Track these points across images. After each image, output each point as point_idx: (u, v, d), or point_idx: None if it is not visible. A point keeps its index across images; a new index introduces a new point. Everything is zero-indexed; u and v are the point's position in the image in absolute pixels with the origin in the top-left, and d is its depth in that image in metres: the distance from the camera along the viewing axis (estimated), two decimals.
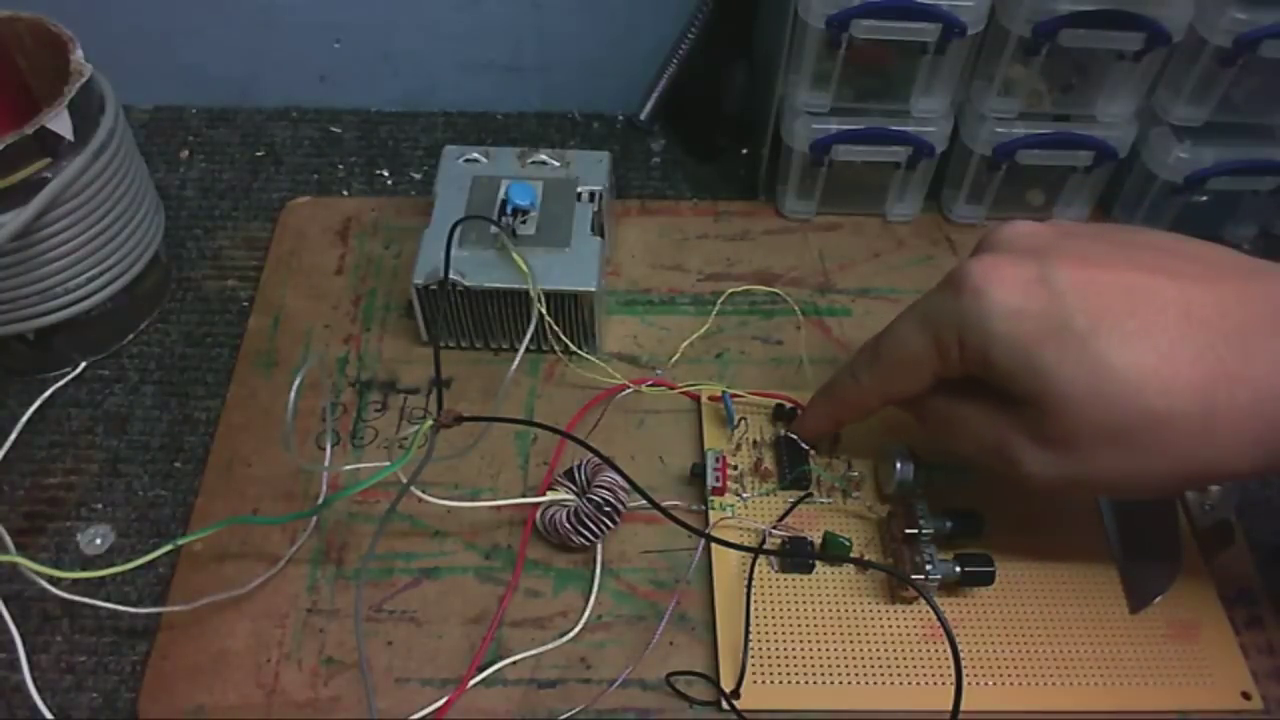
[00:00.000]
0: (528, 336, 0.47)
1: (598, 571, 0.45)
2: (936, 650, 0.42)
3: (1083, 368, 0.35)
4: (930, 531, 0.43)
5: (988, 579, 0.43)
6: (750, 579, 0.43)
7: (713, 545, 0.45)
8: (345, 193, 0.63)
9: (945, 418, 0.41)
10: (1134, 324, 0.34)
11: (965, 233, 0.60)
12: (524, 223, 0.52)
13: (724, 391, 0.49)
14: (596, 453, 0.44)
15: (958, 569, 0.43)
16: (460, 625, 0.43)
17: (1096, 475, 0.36)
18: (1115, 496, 0.40)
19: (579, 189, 0.54)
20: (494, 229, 0.51)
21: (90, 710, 0.41)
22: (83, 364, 0.53)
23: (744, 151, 0.65)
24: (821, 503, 0.47)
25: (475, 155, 0.55)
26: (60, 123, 0.46)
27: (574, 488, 0.46)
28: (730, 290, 0.56)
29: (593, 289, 0.49)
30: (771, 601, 0.43)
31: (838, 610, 0.43)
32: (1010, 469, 0.38)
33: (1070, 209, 0.59)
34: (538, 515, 0.46)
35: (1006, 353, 0.36)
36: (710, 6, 0.62)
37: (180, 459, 0.49)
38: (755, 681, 0.41)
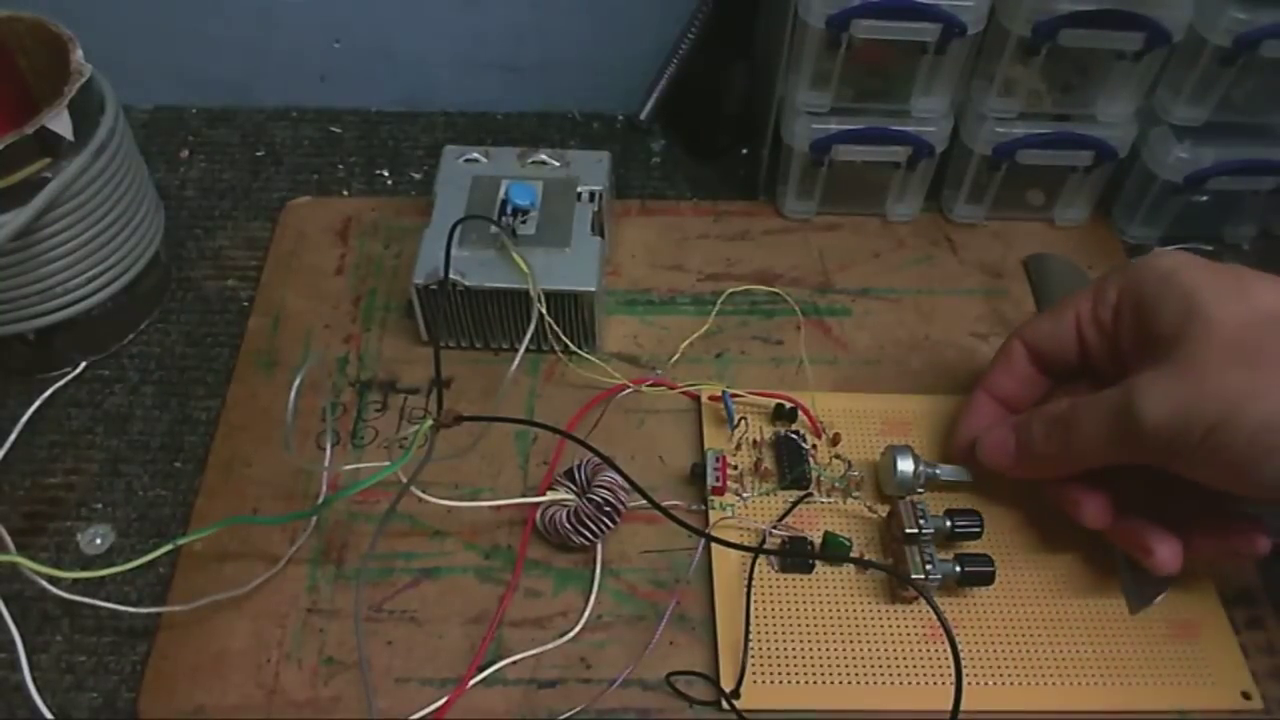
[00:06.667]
0: (528, 336, 0.47)
1: (598, 571, 0.45)
2: (936, 650, 0.42)
3: (1229, 291, 0.37)
4: (930, 531, 0.43)
5: (988, 579, 0.43)
6: (750, 579, 0.43)
7: (713, 545, 0.45)
8: (345, 193, 0.63)
9: (1064, 413, 0.40)
10: None
11: (965, 232, 0.60)
12: (524, 223, 0.52)
13: (724, 391, 0.49)
14: (596, 452, 0.44)
15: (958, 569, 0.43)
16: (460, 625, 0.43)
17: (1218, 398, 0.35)
18: (1222, 448, 0.35)
19: (579, 189, 0.54)
20: (494, 229, 0.51)
21: (90, 710, 0.41)
22: (83, 364, 0.53)
23: (744, 151, 0.65)
24: (821, 502, 0.47)
25: (475, 155, 0.55)
26: (60, 123, 0.46)
27: (574, 487, 0.46)
28: (730, 290, 0.56)
29: (593, 289, 0.49)
30: (771, 601, 0.43)
31: (838, 610, 0.43)
32: (1127, 421, 0.37)
33: (1070, 209, 0.59)
34: (538, 515, 0.46)
35: (1160, 281, 0.38)
36: (710, 6, 0.62)
37: (180, 459, 0.49)
38: (755, 681, 0.41)
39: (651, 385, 0.51)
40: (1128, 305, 0.40)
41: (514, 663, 0.42)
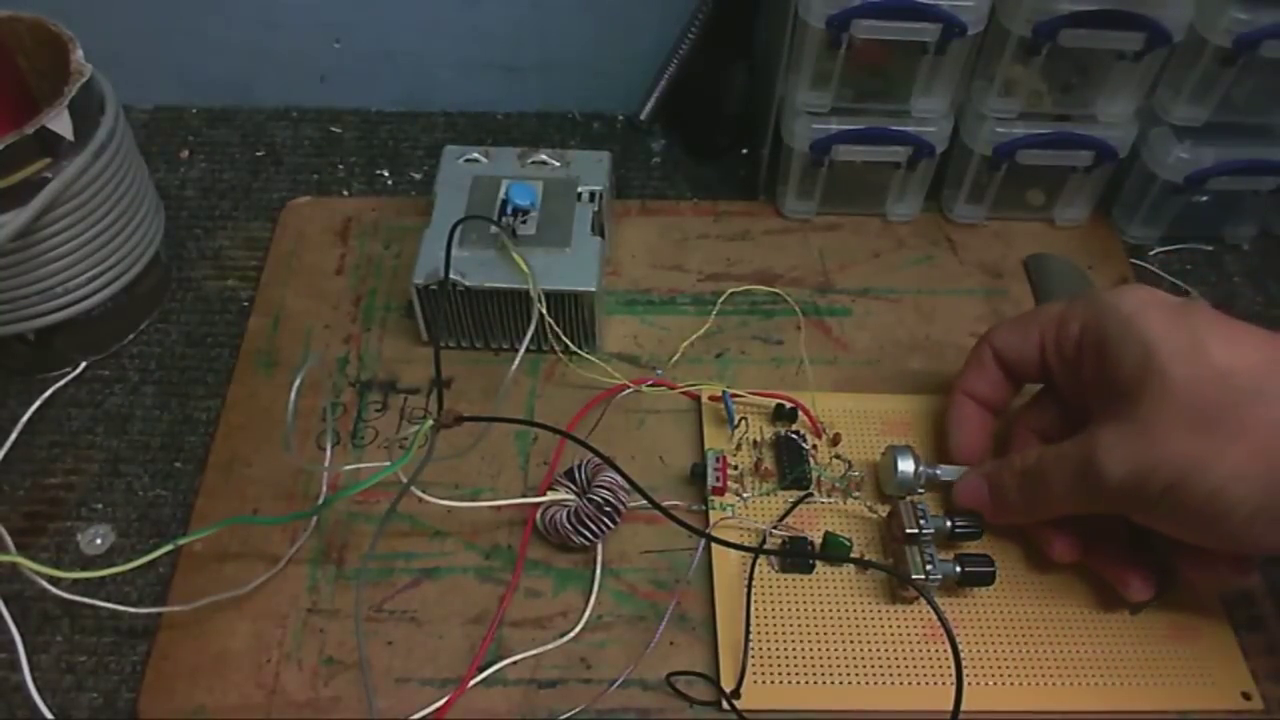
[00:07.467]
0: (528, 336, 0.47)
1: (598, 571, 0.45)
2: (937, 650, 0.42)
3: (1185, 347, 0.37)
4: (931, 531, 0.43)
5: (988, 579, 0.43)
6: (750, 579, 0.43)
7: (713, 545, 0.45)
8: (345, 193, 0.63)
9: (1033, 467, 0.41)
10: (1245, 340, 0.37)
11: (966, 232, 0.60)
12: (524, 223, 0.52)
13: (724, 391, 0.49)
14: (597, 453, 0.44)
15: (958, 569, 0.43)
16: (460, 625, 0.43)
17: (1172, 460, 0.36)
18: (1179, 506, 0.37)
19: (579, 189, 0.54)
20: (494, 229, 0.51)
21: (90, 710, 0.41)
22: (83, 364, 0.53)
23: (744, 151, 0.65)
24: (822, 502, 0.47)
25: (475, 155, 0.55)
26: (60, 123, 0.46)
27: (574, 488, 0.46)
28: (730, 290, 0.56)
29: (593, 289, 0.49)
30: (772, 601, 0.43)
31: (838, 610, 0.43)
32: (1089, 476, 0.38)
33: (1070, 209, 0.59)
34: (538, 515, 0.46)
35: (1121, 326, 0.39)
36: (710, 6, 0.62)
37: (180, 459, 0.49)
38: (756, 681, 0.41)
39: (652, 385, 0.51)
40: (1090, 343, 0.40)
41: (514, 663, 0.42)
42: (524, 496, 0.47)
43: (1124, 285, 0.42)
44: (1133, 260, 0.59)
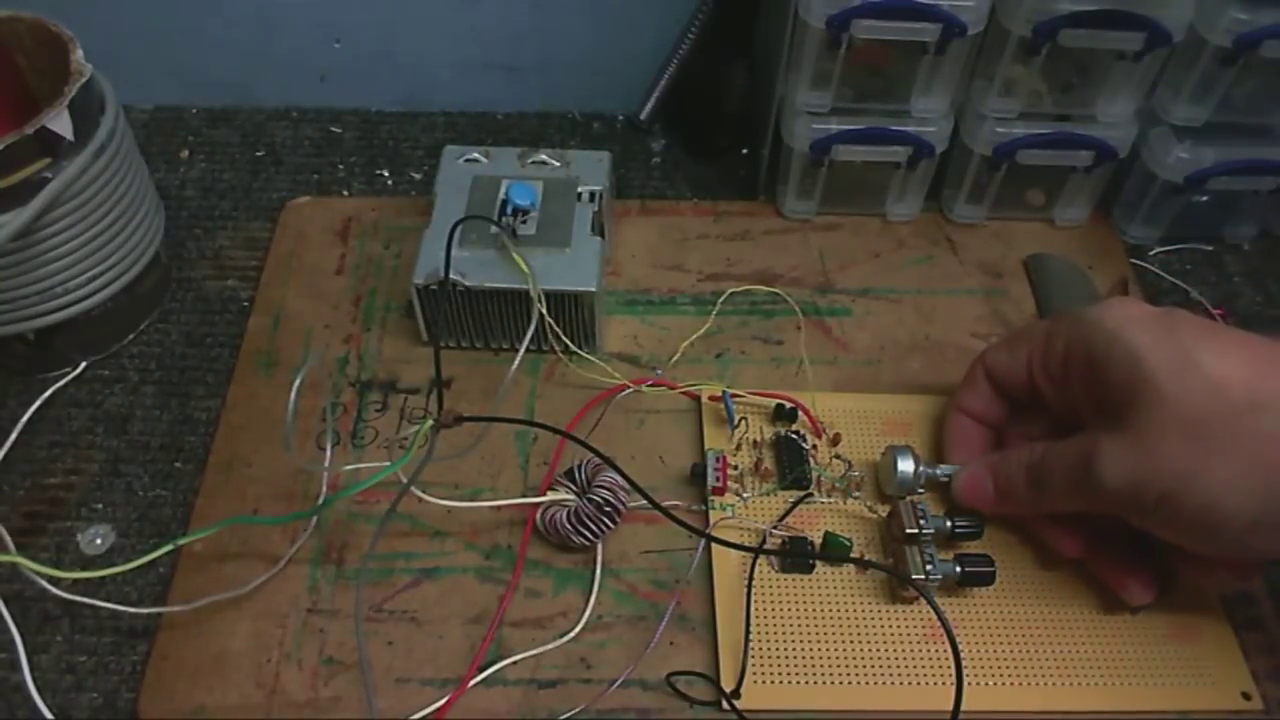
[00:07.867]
0: (528, 336, 0.47)
1: (598, 571, 0.45)
2: (937, 650, 0.42)
3: (1175, 359, 0.37)
4: (931, 531, 0.43)
5: (988, 579, 0.43)
6: (750, 579, 0.43)
7: (713, 545, 0.45)
8: (345, 193, 0.63)
9: (1037, 462, 0.41)
10: (1234, 349, 0.37)
11: (966, 232, 0.60)
12: (524, 223, 0.52)
13: (724, 391, 0.48)
14: (597, 453, 0.44)
15: (958, 569, 0.43)
16: (460, 625, 0.43)
17: (1166, 471, 0.36)
18: (1174, 516, 0.37)
19: (579, 189, 0.54)
20: (494, 229, 0.51)
21: (90, 710, 0.41)
22: (83, 364, 0.53)
23: (744, 151, 0.65)
24: (822, 502, 0.47)
25: (475, 155, 0.55)
26: (60, 123, 0.46)
27: (574, 488, 0.46)
28: (730, 290, 0.56)
29: (593, 289, 0.49)
30: (772, 601, 0.43)
31: (838, 610, 0.43)
32: (1088, 479, 0.39)
33: (1070, 209, 0.59)
34: (538, 515, 0.46)
35: (1108, 340, 0.39)
36: (710, 6, 0.62)
37: (180, 459, 0.49)
38: (756, 681, 0.41)
39: (652, 385, 0.51)
40: (1077, 360, 0.41)
41: (514, 663, 0.42)
42: (524, 496, 0.47)
43: (1106, 300, 0.42)
44: (1133, 260, 0.59)
